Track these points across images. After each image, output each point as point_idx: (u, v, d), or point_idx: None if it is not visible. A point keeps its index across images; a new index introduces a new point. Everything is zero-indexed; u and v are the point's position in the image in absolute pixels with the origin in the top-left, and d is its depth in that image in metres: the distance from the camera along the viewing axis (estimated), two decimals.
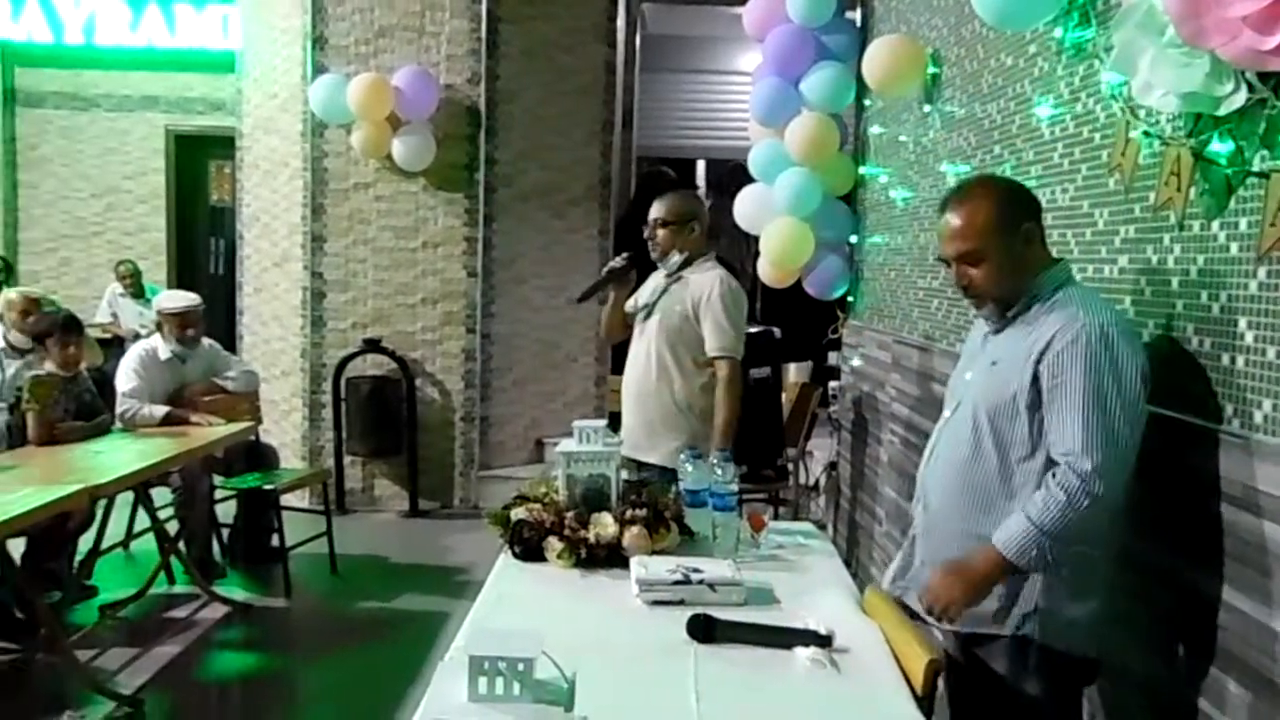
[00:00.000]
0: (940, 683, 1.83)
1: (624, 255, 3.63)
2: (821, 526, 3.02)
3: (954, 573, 1.92)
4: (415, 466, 6.11)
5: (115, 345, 7.06)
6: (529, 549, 2.39)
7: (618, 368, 5.76)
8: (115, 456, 3.93)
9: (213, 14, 8.55)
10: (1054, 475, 1.84)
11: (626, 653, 1.88)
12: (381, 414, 6.03)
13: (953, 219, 2.00)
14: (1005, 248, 1.95)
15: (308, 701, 3.77)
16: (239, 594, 4.56)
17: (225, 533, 4.99)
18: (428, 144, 5.91)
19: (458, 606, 4.32)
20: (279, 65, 6.25)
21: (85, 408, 4.29)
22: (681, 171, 8.97)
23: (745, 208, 4.71)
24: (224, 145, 7.94)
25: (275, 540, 4.77)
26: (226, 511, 5.00)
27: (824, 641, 1.87)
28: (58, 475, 3.52)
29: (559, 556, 2.34)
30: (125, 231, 8.88)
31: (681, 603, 2.08)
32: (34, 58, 8.68)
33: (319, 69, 5.90)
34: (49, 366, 4.18)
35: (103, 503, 4.08)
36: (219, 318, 6.72)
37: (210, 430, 4.41)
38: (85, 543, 4.25)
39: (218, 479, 4.80)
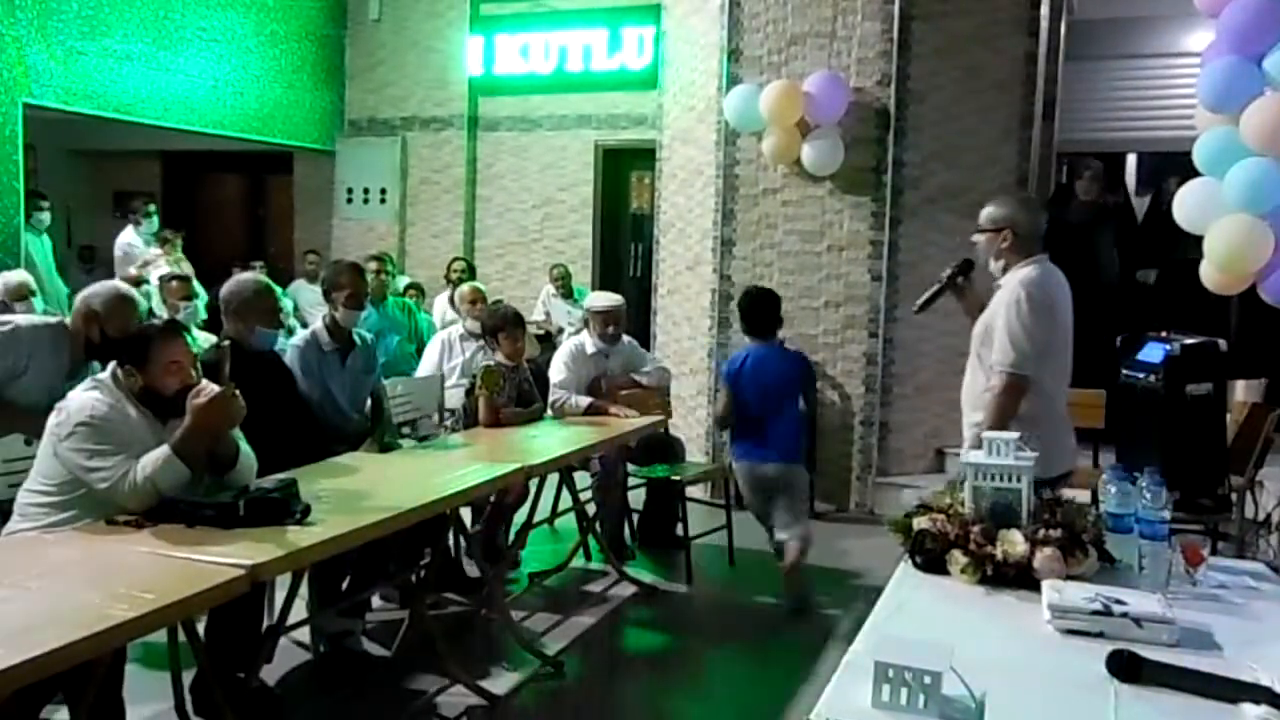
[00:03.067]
0: None
1: (956, 262, 3.55)
2: (1276, 570, 2.62)
3: None
4: (813, 469, 6.16)
5: (546, 341, 7.86)
6: (930, 560, 2.32)
7: None
8: (546, 440, 4.37)
9: (634, 36, 9.26)
10: None
11: (1036, 681, 1.77)
12: None
13: None
14: None
15: (705, 684, 3.94)
16: (646, 576, 4.88)
17: (635, 517, 5.37)
18: (836, 148, 5.94)
19: (851, 610, 4.32)
20: (696, 79, 6.60)
21: (524, 396, 4.81)
22: (1110, 165, 8.21)
23: (1187, 204, 4.23)
24: (645, 157, 8.54)
25: (679, 529, 5.05)
26: (637, 498, 5.37)
27: None
28: (500, 455, 3.97)
29: (962, 571, 2.25)
30: (558, 238, 9.85)
31: (1100, 635, 1.91)
32: (492, 88, 9.91)
33: (733, 80, 6.16)
34: (499, 357, 4.74)
35: (535, 481, 4.55)
36: (636, 317, 7.23)
37: (626, 421, 4.76)
38: (520, 516, 4.77)
39: (630, 467, 5.18)
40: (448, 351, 5.56)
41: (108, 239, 11.31)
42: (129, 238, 8.20)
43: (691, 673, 4.05)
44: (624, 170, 9.82)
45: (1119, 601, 1.97)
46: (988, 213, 3.31)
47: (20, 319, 3.58)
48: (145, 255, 7.81)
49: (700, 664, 4.10)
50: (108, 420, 2.81)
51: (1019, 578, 2.20)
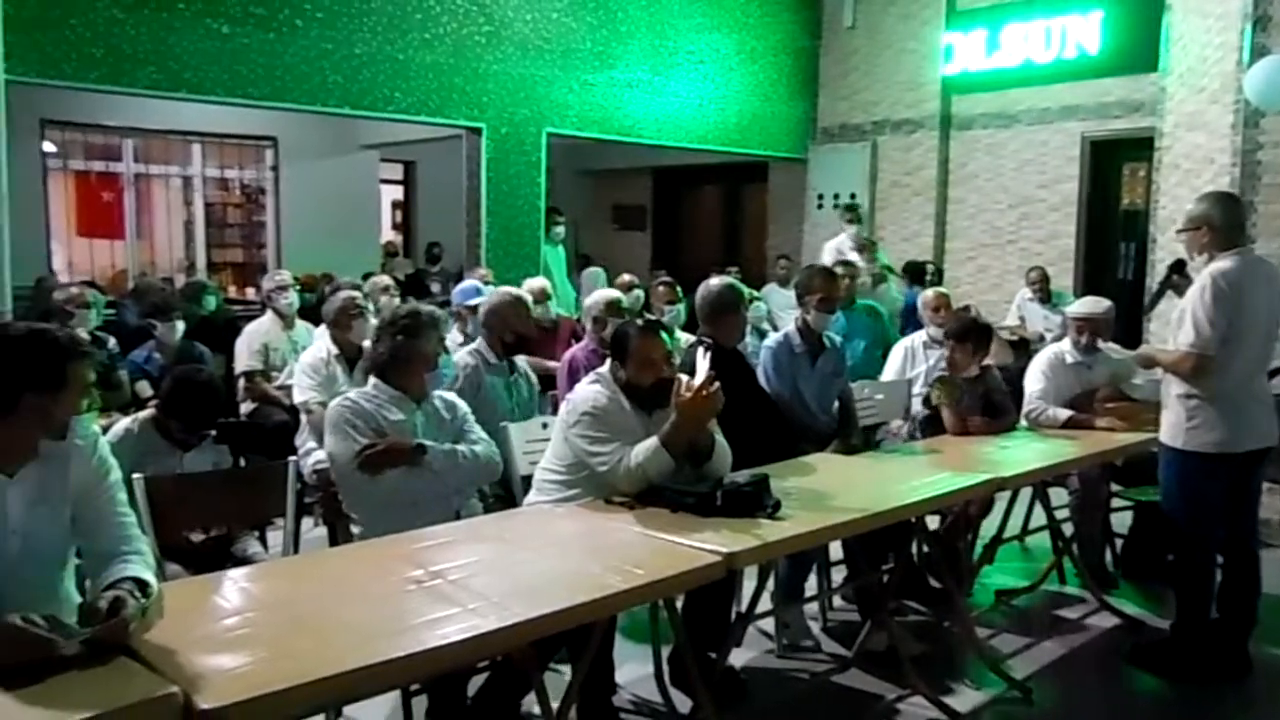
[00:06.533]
0: None
1: (1170, 262, 3.97)
2: None
3: None
4: None
5: (1021, 348, 7.43)
6: None
7: None
8: (1019, 453, 4.13)
9: (1128, 15, 8.43)
10: None
11: None
12: None
13: None
14: None
15: None
16: (1130, 608, 4.42)
17: (1119, 543, 4.90)
18: None
19: None
20: (1209, 56, 5.88)
21: (994, 405, 4.58)
22: None
23: None
24: (1138, 147, 7.78)
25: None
26: (1122, 521, 4.90)
27: None
28: (969, 464, 3.83)
29: None
30: (1036, 239, 9.27)
31: None
32: (967, 85, 9.59)
33: (1258, 52, 5.37)
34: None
35: (1005, 495, 4.32)
36: (1128, 325, 6.58)
37: (1112, 437, 4.35)
38: (988, 529, 4.56)
39: (1115, 487, 4.73)
40: (910, 359, 5.45)
41: (606, 249, 12.73)
42: (840, 241, 8.90)
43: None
44: (1114, 163, 9.00)
45: None
46: (1187, 211, 3.66)
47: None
48: (848, 256, 8.42)
49: (1196, 717, 3.63)
50: (606, 411, 3.15)
51: None
